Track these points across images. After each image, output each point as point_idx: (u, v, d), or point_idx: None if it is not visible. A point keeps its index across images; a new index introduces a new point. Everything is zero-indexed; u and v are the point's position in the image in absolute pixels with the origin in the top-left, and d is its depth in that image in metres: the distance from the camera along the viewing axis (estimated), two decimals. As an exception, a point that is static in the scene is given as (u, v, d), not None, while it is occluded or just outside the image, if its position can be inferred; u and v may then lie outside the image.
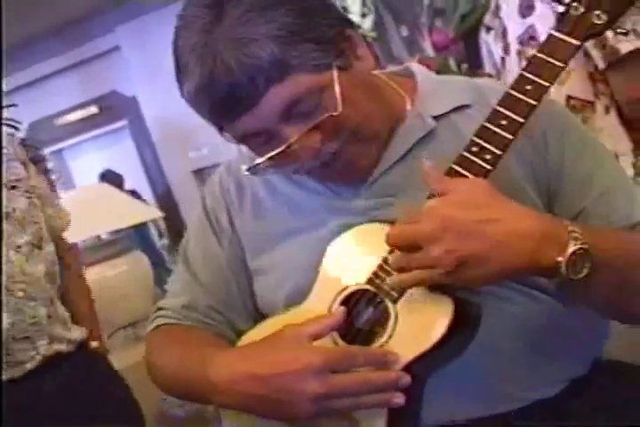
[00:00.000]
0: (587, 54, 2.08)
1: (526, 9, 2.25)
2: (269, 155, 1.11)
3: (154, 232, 7.08)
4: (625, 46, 2.02)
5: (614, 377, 1.23)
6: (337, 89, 1.08)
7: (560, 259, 0.95)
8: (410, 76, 1.30)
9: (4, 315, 1.65)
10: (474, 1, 3.28)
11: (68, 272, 2.01)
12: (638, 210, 1.16)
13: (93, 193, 3.49)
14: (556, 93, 2.08)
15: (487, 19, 2.54)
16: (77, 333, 1.87)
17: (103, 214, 3.24)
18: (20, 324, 1.68)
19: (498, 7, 2.40)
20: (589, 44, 2.04)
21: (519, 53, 2.28)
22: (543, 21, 2.17)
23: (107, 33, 7.38)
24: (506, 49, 2.41)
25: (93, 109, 7.83)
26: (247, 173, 1.16)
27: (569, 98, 2.12)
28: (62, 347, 1.78)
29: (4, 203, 1.73)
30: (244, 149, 1.25)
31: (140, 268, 3.43)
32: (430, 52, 3.50)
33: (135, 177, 7.42)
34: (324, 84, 1.08)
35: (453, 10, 3.36)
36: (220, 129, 1.16)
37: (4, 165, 1.79)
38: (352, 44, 1.15)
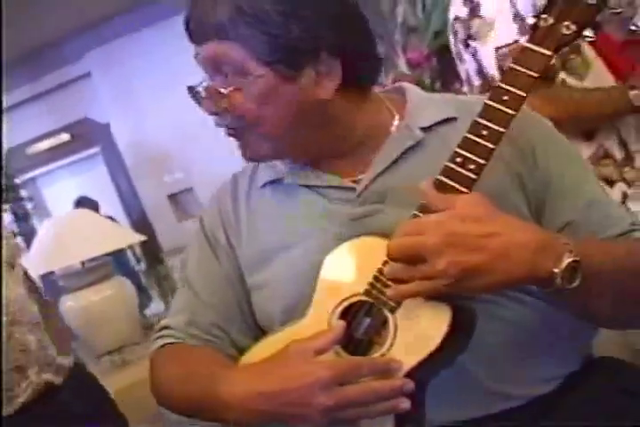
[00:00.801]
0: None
1: (458, 58, 2.34)
2: (201, 91, 1.24)
3: (131, 258, 7.07)
4: None
5: (606, 372, 1.27)
6: (257, 86, 1.18)
7: (556, 270, 0.99)
8: (401, 93, 1.34)
9: None
10: (446, 18, 3.32)
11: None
12: (620, 221, 1.21)
13: (73, 219, 3.47)
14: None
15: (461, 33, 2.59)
16: (66, 360, 1.83)
17: (86, 240, 3.22)
18: (10, 352, 1.63)
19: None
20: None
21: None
22: (471, 67, 2.26)
23: (76, 60, 7.40)
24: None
25: (65, 137, 7.83)
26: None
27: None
28: (52, 377, 1.70)
29: None
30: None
31: (124, 292, 3.40)
32: (405, 68, 3.54)
33: (110, 203, 7.42)
34: (254, 71, 1.17)
35: (426, 27, 3.40)
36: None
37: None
38: (320, 72, 1.19)
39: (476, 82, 2.38)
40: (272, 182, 1.33)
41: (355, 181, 1.26)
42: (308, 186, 1.29)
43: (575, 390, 1.22)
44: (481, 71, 2.23)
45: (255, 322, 1.34)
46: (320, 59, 1.18)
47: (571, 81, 2.12)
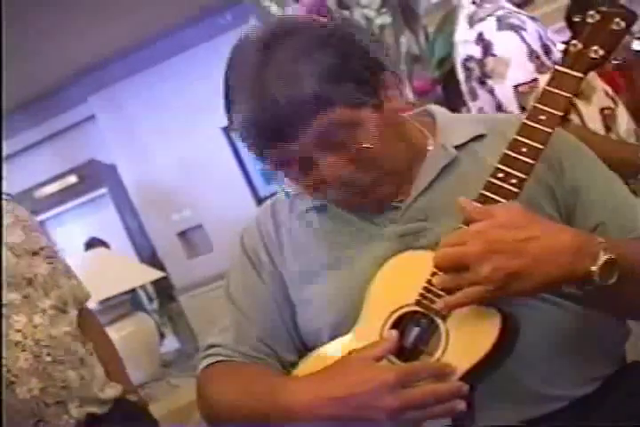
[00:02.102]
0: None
1: (471, 95, 2.38)
2: (307, 180, 1.25)
3: (143, 296, 7.08)
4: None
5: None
6: (371, 125, 1.21)
7: (594, 268, 1.06)
8: (430, 116, 1.41)
9: (34, 380, 1.65)
10: (449, 46, 3.36)
11: (96, 335, 2.02)
12: None
13: (91, 259, 3.51)
14: (589, 111, 2.18)
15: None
16: (112, 391, 1.86)
17: (105, 278, 3.26)
18: (51, 388, 1.67)
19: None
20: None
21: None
22: (487, 105, 2.30)
23: (80, 103, 7.46)
24: None
25: (72, 179, 7.85)
26: (285, 197, 1.31)
27: (602, 110, 2.22)
28: (95, 409, 1.77)
29: (27, 269, 1.76)
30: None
31: (145, 328, 3.43)
32: (411, 97, 3.57)
33: (120, 243, 7.43)
34: (360, 120, 1.20)
35: (430, 55, 3.44)
36: (259, 158, 1.27)
37: (26, 236, 1.83)
38: (384, 86, 1.25)
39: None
40: (314, 208, 1.38)
41: (398, 201, 1.31)
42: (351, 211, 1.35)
43: (615, 390, 1.26)
44: (500, 108, 2.27)
45: (300, 339, 1.38)
46: (380, 78, 1.25)
47: (580, 105, 2.17)
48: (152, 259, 7.55)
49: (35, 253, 1.81)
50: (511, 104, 2.24)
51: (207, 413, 1.37)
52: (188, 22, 6.56)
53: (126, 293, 3.59)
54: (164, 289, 6.99)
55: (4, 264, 1.71)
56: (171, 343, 6.53)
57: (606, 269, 1.06)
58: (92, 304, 3.45)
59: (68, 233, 7.94)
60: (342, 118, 1.19)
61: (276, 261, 1.40)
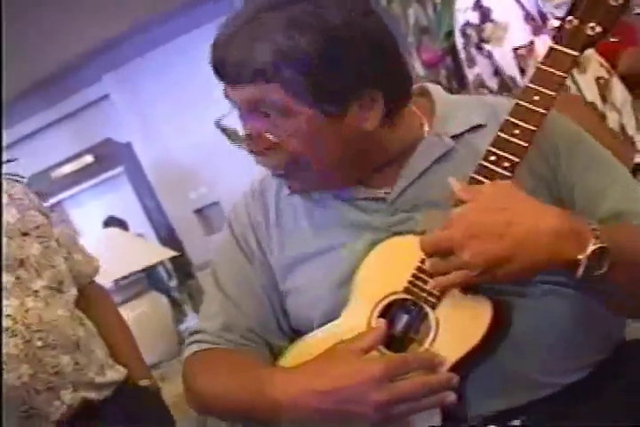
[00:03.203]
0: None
1: (470, 62, 2.35)
2: (241, 133, 1.23)
3: (163, 274, 7.09)
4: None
5: (637, 357, 1.28)
6: (305, 126, 1.17)
7: (581, 257, 1.01)
8: (426, 96, 1.35)
9: (24, 367, 1.63)
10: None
11: (103, 314, 2.00)
12: None
13: (104, 238, 3.51)
14: (585, 80, 2.16)
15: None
16: (114, 375, 1.84)
17: (119, 258, 3.26)
18: (41, 374, 1.65)
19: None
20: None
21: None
22: (485, 70, 2.27)
23: (94, 82, 7.44)
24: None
25: (89, 159, 7.86)
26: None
27: (597, 79, 2.19)
28: (91, 394, 1.75)
29: (18, 250, 1.74)
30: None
31: (158, 307, 3.44)
32: (420, 70, 3.54)
33: (137, 222, 7.43)
34: (298, 112, 1.16)
35: (438, 27, 3.40)
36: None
37: (21, 215, 1.81)
38: (364, 105, 1.19)
39: (494, 84, 2.39)
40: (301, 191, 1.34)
41: (387, 192, 1.27)
42: (337, 196, 1.31)
43: (607, 376, 1.23)
44: (497, 73, 2.24)
45: (290, 326, 1.35)
46: (364, 93, 1.18)
47: (575, 74, 2.15)
48: (170, 236, 7.57)
49: (25, 234, 1.78)
50: (511, 67, 2.22)
51: (194, 403, 1.35)
52: (202, -2, 6.51)
53: (140, 272, 3.59)
54: (182, 266, 7.00)
55: (4, 250, 1.71)
56: (192, 320, 6.54)
57: (595, 258, 1.01)
58: (105, 284, 3.47)
59: (86, 213, 7.96)
60: (276, 98, 1.15)
61: (264, 248, 1.36)
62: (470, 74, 2.40)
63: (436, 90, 1.36)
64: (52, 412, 1.67)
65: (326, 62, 1.13)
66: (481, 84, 2.48)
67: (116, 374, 1.85)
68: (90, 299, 1.97)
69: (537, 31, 2.13)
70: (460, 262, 1.03)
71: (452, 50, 3.36)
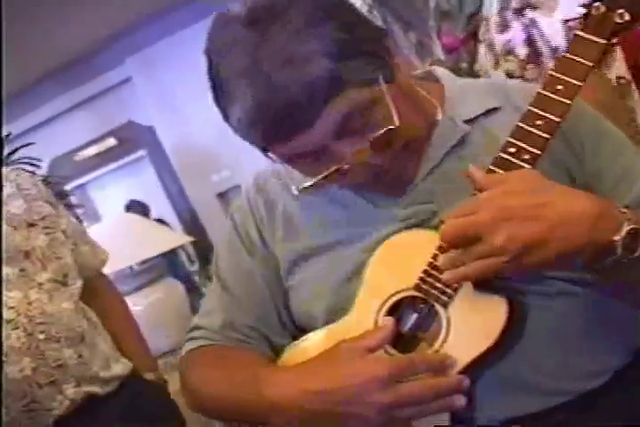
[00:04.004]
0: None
1: (501, 27, 2.28)
2: (325, 173, 1.10)
3: (184, 258, 7.10)
4: None
5: None
6: (390, 102, 1.08)
7: (616, 238, 0.95)
8: (435, 81, 1.30)
9: (26, 360, 1.61)
10: (478, 1, 3.27)
11: (110, 306, 1.98)
12: None
13: (120, 224, 3.49)
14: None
15: (482, 30, 2.57)
16: (119, 368, 1.81)
17: (132, 244, 3.24)
18: (43, 368, 1.63)
19: (487, 21, 2.44)
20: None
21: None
22: (517, 37, 2.21)
23: (116, 65, 7.43)
24: (496, 62, 2.44)
25: (112, 142, 7.86)
26: (296, 193, 1.16)
27: (618, 78, 2.14)
28: (95, 389, 1.72)
29: (24, 242, 1.72)
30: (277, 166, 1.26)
31: (174, 294, 3.42)
32: (440, 54, 3.48)
33: (160, 205, 7.44)
34: (375, 98, 1.08)
35: (459, 11, 3.34)
36: (264, 150, 1.15)
37: (27, 205, 1.78)
38: (391, 55, 1.14)
39: (522, 52, 2.33)
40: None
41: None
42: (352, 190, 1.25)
43: (626, 383, 1.16)
44: (530, 42, 2.18)
45: (292, 323, 1.31)
46: (386, 47, 1.13)
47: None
48: (192, 220, 7.57)
49: (31, 225, 1.76)
50: (556, 37, 2.15)
51: (190, 401, 1.31)
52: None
53: (159, 257, 3.58)
54: (203, 250, 6.99)
55: (3, 237, 1.68)
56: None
57: (629, 239, 0.96)
58: (123, 270, 3.46)
59: (109, 196, 7.98)
60: (359, 99, 1.06)
61: (268, 243, 1.31)
62: (498, 39, 2.32)
63: (444, 73, 1.31)
64: (55, 407, 1.64)
65: (354, 36, 1.06)
66: (508, 52, 2.42)
67: (120, 367, 1.83)
68: (96, 291, 1.95)
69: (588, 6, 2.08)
70: (489, 249, 0.95)
71: (474, 34, 3.31)
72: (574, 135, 1.17)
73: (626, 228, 0.96)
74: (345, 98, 1.05)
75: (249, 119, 1.07)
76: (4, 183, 1.77)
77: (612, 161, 1.18)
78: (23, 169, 4.88)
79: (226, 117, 1.13)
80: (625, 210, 0.99)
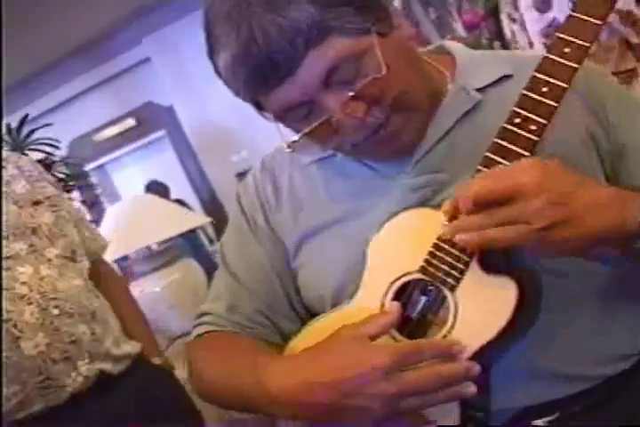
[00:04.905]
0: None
1: (544, 4, 2.22)
2: (313, 125, 1.07)
3: (204, 239, 7.09)
4: None
5: None
6: (378, 52, 1.03)
7: None
8: (446, 53, 1.26)
9: (40, 335, 1.59)
10: (499, -24, 3.22)
11: (113, 292, 1.96)
12: None
13: (138, 204, 3.48)
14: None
15: (509, 9, 2.50)
16: (128, 347, 1.81)
17: (150, 225, 3.22)
18: (57, 343, 1.61)
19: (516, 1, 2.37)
20: (617, 23, 2.05)
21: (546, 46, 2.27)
22: (563, 14, 2.16)
23: (134, 45, 7.40)
24: (530, 43, 2.38)
25: (131, 122, 7.85)
26: (288, 150, 1.11)
27: (614, 74, 2.11)
28: (108, 366, 1.71)
29: (30, 219, 1.72)
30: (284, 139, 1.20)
31: (192, 275, 3.40)
32: (461, 31, 3.43)
33: (179, 185, 7.43)
34: (364, 48, 1.04)
35: (480, -13, 3.30)
36: (257, 106, 1.13)
37: (30, 186, 1.79)
38: (388, 13, 1.10)
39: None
40: (318, 160, 1.25)
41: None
42: (359, 161, 1.20)
43: None
44: None
45: (303, 307, 1.27)
46: (381, 4, 1.09)
47: None
48: (212, 201, 7.56)
49: (37, 203, 1.76)
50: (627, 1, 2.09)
51: (196, 389, 1.28)
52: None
53: (178, 238, 3.56)
54: (223, 231, 6.99)
55: (4, 216, 1.67)
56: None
57: None
58: (139, 250, 3.45)
59: (129, 176, 7.98)
60: (344, 48, 1.02)
61: (275, 225, 1.28)
62: (541, 19, 2.25)
63: (455, 45, 1.27)
64: (69, 383, 1.63)
65: None
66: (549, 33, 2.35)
67: (130, 346, 1.83)
68: (99, 276, 1.94)
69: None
70: (524, 212, 0.90)
71: (494, 11, 3.26)
72: (596, 100, 1.14)
73: None
74: (330, 46, 1.02)
75: (231, 66, 1.05)
76: (5, 165, 1.77)
77: (634, 129, 1.15)
78: (41, 151, 4.94)
79: (217, 70, 1.11)
80: None
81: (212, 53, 1.10)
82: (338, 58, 1.02)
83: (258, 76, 1.04)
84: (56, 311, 1.63)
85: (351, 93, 1.03)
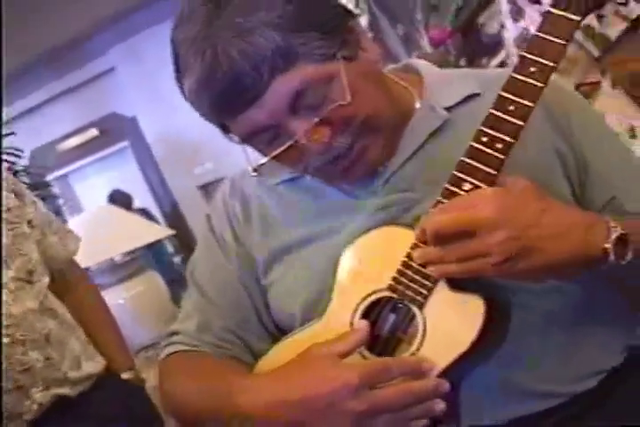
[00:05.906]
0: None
1: (515, 14, 2.26)
2: (279, 150, 1.06)
3: (170, 249, 7.07)
4: (613, 32, 2.06)
5: None
6: (344, 79, 1.03)
7: (607, 245, 0.94)
8: (413, 72, 1.26)
9: None
10: (467, -7, 3.25)
11: (83, 299, 1.91)
12: None
13: (101, 216, 3.45)
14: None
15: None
16: (90, 367, 1.74)
17: (113, 237, 3.20)
18: (9, 373, 1.55)
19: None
20: (581, 37, 2.09)
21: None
22: (534, 25, 2.19)
23: (100, 55, 7.38)
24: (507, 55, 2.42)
25: (94, 132, 7.82)
26: (254, 174, 1.11)
27: (577, 86, 2.13)
28: (65, 390, 1.65)
29: None
30: (250, 158, 1.20)
31: (155, 287, 3.38)
32: (428, 48, 3.46)
33: (141, 197, 7.41)
34: (330, 74, 1.03)
35: (447, 4, 3.32)
36: (223, 129, 1.12)
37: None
38: (355, 36, 1.10)
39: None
40: (286, 181, 1.24)
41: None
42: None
43: (620, 384, 1.14)
44: None
45: (274, 324, 1.26)
46: (349, 26, 1.09)
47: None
48: (174, 212, 7.53)
49: None
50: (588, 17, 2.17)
51: (168, 408, 1.27)
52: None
53: (143, 249, 3.54)
54: (185, 242, 6.96)
55: (3, 240, 1.62)
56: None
57: (619, 246, 0.94)
58: (102, 262, 3.42)
59: (91, 187, 7.94)
60: (310, 74, 1.01)
61: (244, 242, 1.27)
62: (512, 28, 2.28)
63: (422, 64, 1.27)
64: (25, 411, 1.58)
65: (309, 10, 1.03)
66: (526, 39, 2.39)
67: (92, 366, 1.76)
68: (68, 283, 1.88)
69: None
70: (483, 246, 0.91)
71: (462, 28, 3.28)
72: (563, 116, 1.15)
73: (615, 234, 0.94)
74: (296, 72, 1.01)
75: (197, 90, 1.04)
76: None
77: (598, 147, 1.16)
78: (5, 160, 4.87)
79: (182, 91, 1.09)
80: (608, 218, 0.97)
81: (179, 78, 1.09)
82: (303, 84, 1.02)
83: (222, 102, 1.04)
84: (6, 340, 1.56)
85: (317, 119, 1.04)
